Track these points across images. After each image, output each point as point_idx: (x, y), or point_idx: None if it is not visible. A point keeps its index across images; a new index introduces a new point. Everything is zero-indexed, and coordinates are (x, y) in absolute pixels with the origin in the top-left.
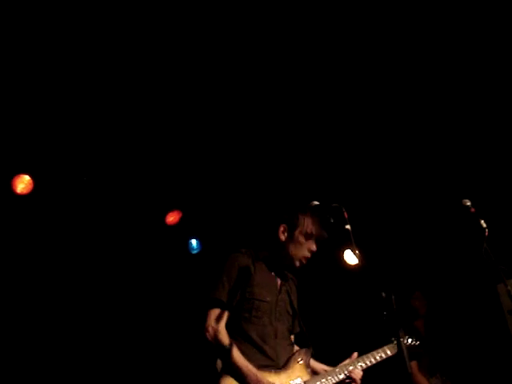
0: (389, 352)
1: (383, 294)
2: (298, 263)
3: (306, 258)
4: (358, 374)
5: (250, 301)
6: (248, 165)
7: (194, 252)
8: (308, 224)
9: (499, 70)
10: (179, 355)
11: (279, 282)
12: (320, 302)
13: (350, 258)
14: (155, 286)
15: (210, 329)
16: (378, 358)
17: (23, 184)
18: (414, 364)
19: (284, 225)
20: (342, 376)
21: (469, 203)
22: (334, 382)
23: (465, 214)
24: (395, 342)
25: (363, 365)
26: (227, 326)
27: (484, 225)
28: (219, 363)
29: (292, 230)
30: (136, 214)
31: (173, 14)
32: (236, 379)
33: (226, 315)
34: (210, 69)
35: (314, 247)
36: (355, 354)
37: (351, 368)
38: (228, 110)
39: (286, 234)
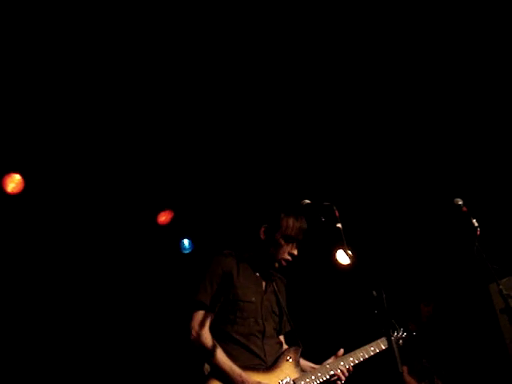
0: (382, 345)
1: (374, 293)
2: (276, 264)
3: (286, 261)
4: (344, 371)
5: (235, 302)
6: (239, 165)
7: (186, 252)
8: (290, 226)
9: (487, 70)
10: (169, 357)
11: (264, 281)
12: (312, 301)
13: (343, 257)
14: (147, 286)
15: (194, 332)
16: (371, 352)
17: (14, 183)
18: (404, 368)
19: (266, 225)
20: (332, 373)
21: (461, 202)
22: (324, 379)
23: (457, 213)
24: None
25: (356, 360)
26: (212, 329)
27: (476, 224)
28: (207, 366)
29: (273, 231)
30: (128, 214)
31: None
32: (221, 380)
33: (209, 318)
34: (201, 70)
35: (295, 251)
36: (341, 351)
37: (342, 364)
38: (220, 112)
39: (266, 235)
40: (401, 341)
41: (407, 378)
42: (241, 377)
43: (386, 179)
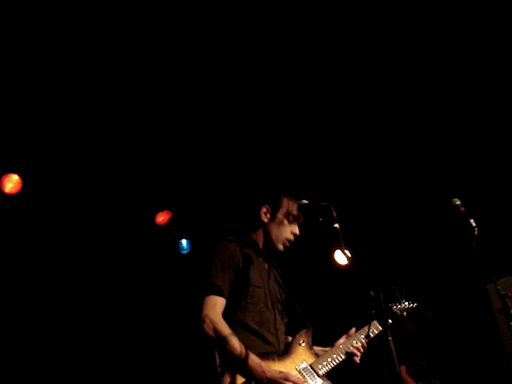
0: (389, 320)
1: (372, 293)
2: (281, 246)
3: (289, 241)
4: (359, 347)
5: (244, 287)
6: (237, 164)
7: (185, 252)
8: (291, 206)
9: (485, 71)
10: (172, 356)
11: (267, 267)
12: (309, 300)
13: (341, 258)
14: (145, 286)
15: (208, 319)
16: (380, 327)
17: (12, 183)
18: (403, 368)
19: (266, 205)
20: (347, 351)
21: (458, 202)
22: (340, 359)
23: (454, 213)
24: (396, 306)
25: (365, 336)
26: (223, 317)
27: (473, 224)
28: (218, 359)
29: (274, 211)
30: (126, 214)
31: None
32: (238, 372)
33: (222, 303)
34: (196, 70)
35: (297, 230)
36: (353, 330)
37: (355, 342)
38: (217, 111)
39: (268, 216)
40: (405, 313)
41: (405, 377)
42: (261, 367)
43: (384, 179)
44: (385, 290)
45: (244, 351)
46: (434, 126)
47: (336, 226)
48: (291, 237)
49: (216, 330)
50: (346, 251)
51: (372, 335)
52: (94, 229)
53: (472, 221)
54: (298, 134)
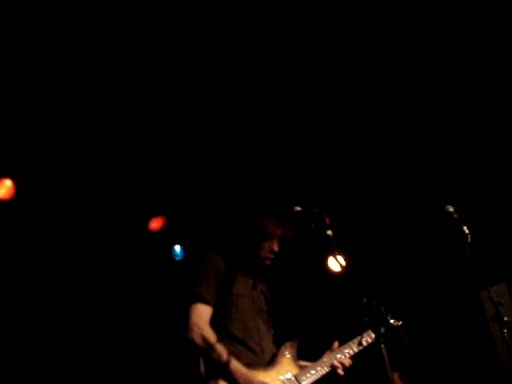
0: (374, 335)
1: (364, 300)
2: (262, 263)
3: (269, 259)
4: (345, 361)
5: (229, 297)
6: (231, 170)
7: (178, 259)
8: (265, 224)
9: (473, 80)
10: (163, 363)
11: (251, 279)
12: (298, 310)
13: (334, 265)
14: (138, 293)
15: (196, 328)
16: (364, 342)
17: (4, 189)
18: (396, 375)
19: (242, 228)
20: (330, 364)
21: (451, 209)
22: (324, 372)
23: (447, 220)
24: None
25: (351, 351)
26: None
27: (467, 231)
28: (203, 367)
29: (249, 232)
30: (119, 220)
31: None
32: (224, 380)
33: (209, 312)
34: (188, 80)
35: (275, 247)
36: (336, 344)
37: (339, 356)
38: (211, 117)
39: (244, 237)
40: (391, 329)
41: (398, 383)
42: (246, 376)
43: (377, 186)
44: (375, 300)
45: (230, 360)
46: (426, 134)
47: (329, 233)
48: (270, 255)
49: (204, 339)
50: (340, 258)
51: (365, 344)
52: (88, 235)
53: (465, 228)
54: (291, 139)
